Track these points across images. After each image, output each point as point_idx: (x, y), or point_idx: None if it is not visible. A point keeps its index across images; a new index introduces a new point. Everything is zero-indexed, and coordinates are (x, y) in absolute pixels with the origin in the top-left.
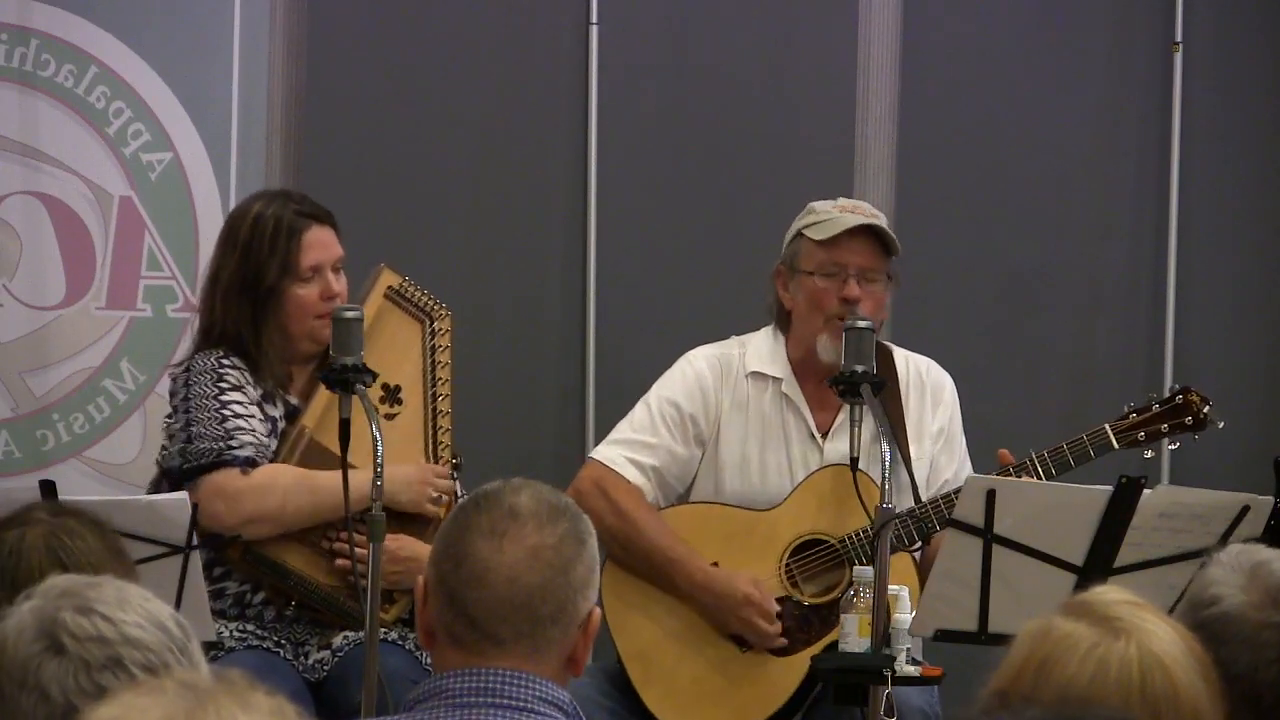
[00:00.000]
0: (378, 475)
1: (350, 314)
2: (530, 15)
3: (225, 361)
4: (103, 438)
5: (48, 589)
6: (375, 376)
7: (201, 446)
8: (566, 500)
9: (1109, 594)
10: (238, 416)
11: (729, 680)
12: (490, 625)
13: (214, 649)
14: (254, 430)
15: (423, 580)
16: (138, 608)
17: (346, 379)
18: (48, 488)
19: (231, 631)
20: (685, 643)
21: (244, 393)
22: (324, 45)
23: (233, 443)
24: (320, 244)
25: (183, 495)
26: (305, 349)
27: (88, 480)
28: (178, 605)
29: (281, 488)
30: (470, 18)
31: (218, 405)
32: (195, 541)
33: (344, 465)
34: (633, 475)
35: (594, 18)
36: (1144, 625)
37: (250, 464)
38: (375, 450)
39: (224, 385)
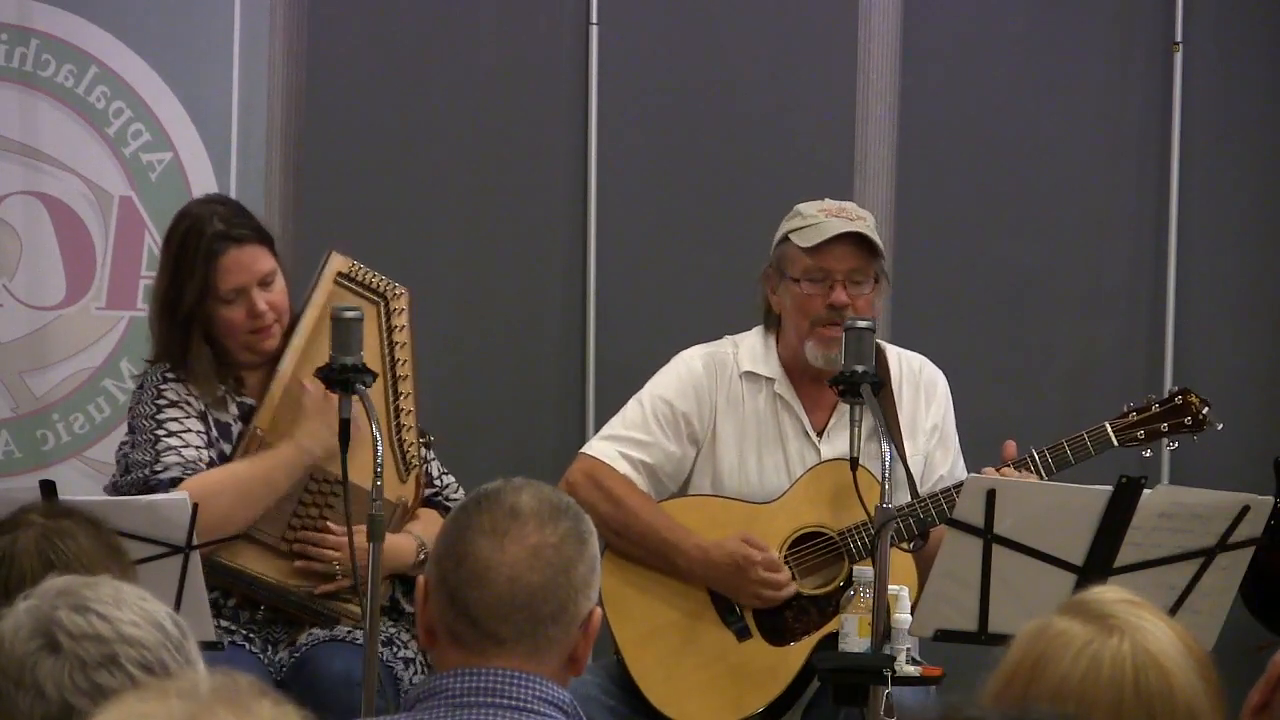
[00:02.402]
0: (378, 476)
1: (350, 314)
2: (530, 15)
3: (168, 376)
4: (103, 438)
5: (45, 589)
6: (376, 376)
7: (130, 478)
8: (568, 500)
9: (1107, 593)
10: (170, 435)
11: (727, 670)
12: (491, 624)
13: (214, 648)
14: (186, 445)
15: (423, 580)
16: (134, 606)
17: (347, 379)
18: (48, 488)
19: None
20: (683, 632)
21: (182, 407)
22: (324, 46)
23: (157, 467)
24: (238, 267)
25: (183, 495)
26: (246, 358)
27: (88, 480)
28: (178, 605)
29: (207, 494)
30: (470, 18)
31: (153, 425)
32: (195, 541)
33: (344, 466)
34: (624, 469)
35: (594, 18)
36: (1140, 624)
37: (175, 483)
38: (375, 450)
39: (161, 403)
